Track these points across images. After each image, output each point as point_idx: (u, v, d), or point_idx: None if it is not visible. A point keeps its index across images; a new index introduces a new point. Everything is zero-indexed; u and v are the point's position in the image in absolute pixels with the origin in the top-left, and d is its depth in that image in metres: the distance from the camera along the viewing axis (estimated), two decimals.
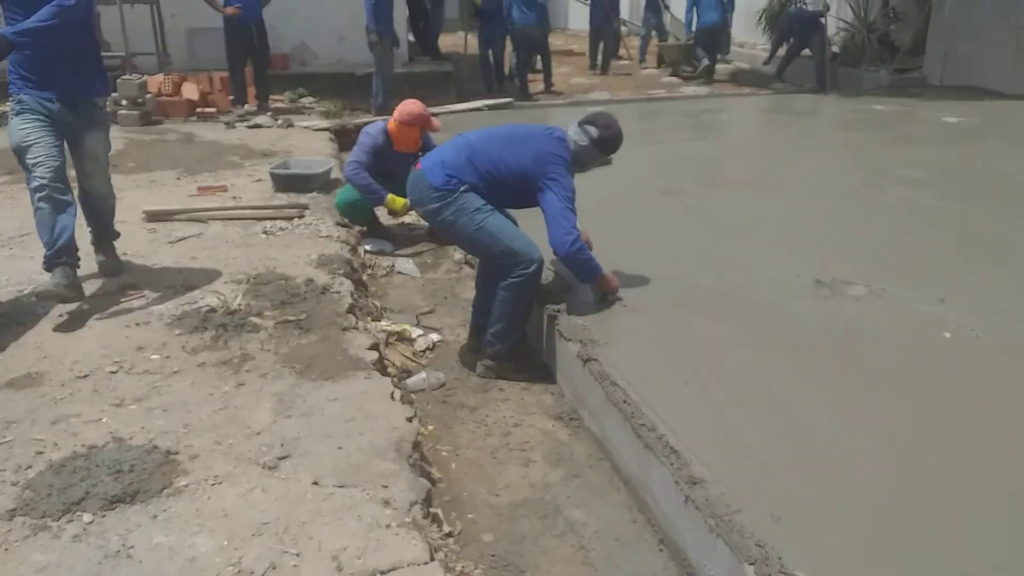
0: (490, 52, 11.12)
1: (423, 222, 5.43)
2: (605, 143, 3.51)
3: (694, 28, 12.52)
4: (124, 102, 8.11)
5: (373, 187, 4.89)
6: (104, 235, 4.08)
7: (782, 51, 12.13)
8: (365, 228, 5.27)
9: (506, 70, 11.57)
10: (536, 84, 11.57)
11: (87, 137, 3.74)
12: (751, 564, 1.95)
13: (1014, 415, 2.61)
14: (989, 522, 2.10)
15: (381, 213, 5.32)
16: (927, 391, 2.76)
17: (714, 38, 12.43)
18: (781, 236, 4.49)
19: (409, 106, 5.02)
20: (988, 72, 10.05)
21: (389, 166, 4.97)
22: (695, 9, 12.27)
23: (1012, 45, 9.75)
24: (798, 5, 12.63)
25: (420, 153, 5.02)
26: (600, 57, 13.38)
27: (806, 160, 6.92)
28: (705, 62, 12.31)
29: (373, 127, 5.14)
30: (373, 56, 8.85)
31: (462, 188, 3.33)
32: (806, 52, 11.61)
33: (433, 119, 5.07)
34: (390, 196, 4.90)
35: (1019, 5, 9.60)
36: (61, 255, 3.51)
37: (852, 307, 3.46)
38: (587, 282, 3.49)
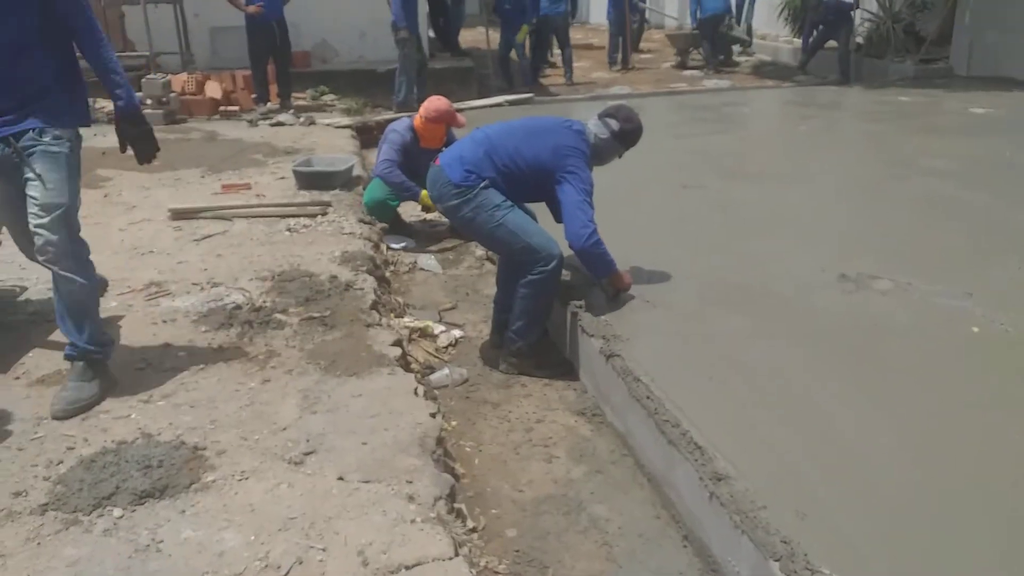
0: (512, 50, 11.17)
1: (444, 218, 5.48)
2: (626, 136, 3.50)
3: (698, 17, 12.50)
4: (149, 101, 8.20)
5: (407, 184, 4.95)
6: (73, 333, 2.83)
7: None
8: (387, 225, 5.30)
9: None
10: (556, 78, 11.56)
11: (25, 185, 2.70)
12: (776, 560, 1.94)
13: None
14: (1013, 520, 2.07)
15: (406, 209, 5.35)
16: (955, 387, 2.73)
17: (717, 27, 12.48)
18: (804, 230, 4.46)
19: (435, 103, 5.07)
20: (1016, 62, 9.89)
21: (416, 163, 5.02)
22: None
23: None
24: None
25: (443, 149, 5.06)
26: (619, 52, 13.29)
27: (829, 152, 6.85)
28: (710, 53, 12.48)
29: (400, 124, 5.18)
30: (399, 52, 8.85)
31: (481, 184, 3.33)
32: (830, 44, 11.49)
33: (459, 115, 5.11)
34: (424, 192, 4.92)
35: None
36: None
37: (878, 301, 3.43)
38: (601, 277, 3.46)
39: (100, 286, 3.28)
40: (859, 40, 12.04)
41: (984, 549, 1.97)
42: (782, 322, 3.26)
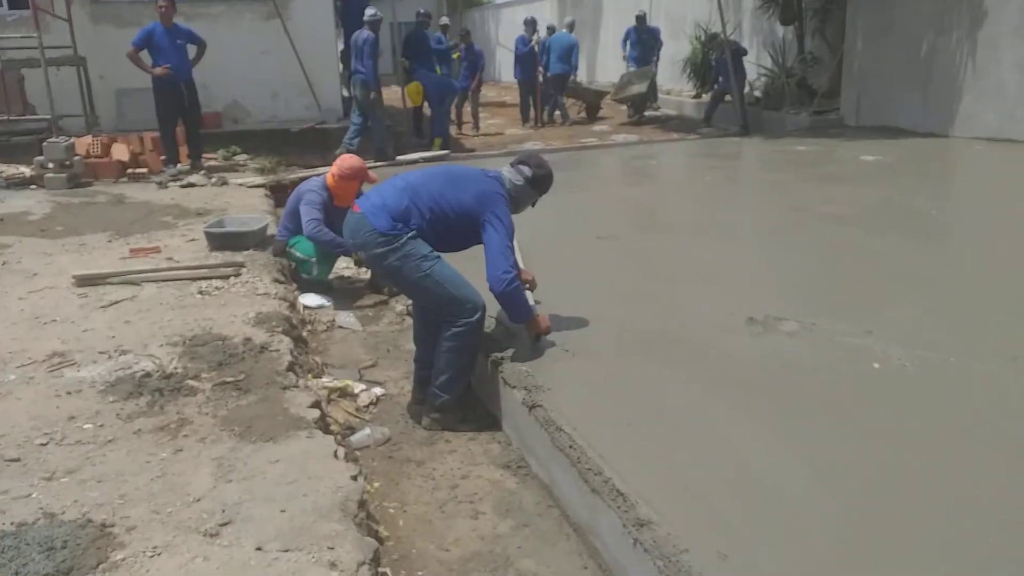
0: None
1: (363, 275, 5.46)
2: (539, 181, 3.59)
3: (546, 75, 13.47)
4: (51, 165, 7.94)
5: (339, 241, 4.94)
6: None
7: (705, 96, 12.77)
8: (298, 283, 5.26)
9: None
10: (465, 135, 11.98)
11: None
12: None
13: (942, 441, 2.71)
14: (927, 546, 2.16)
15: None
16: (861, 421, 2.84)
17: (562, 85, 13.49)
18: (713, 276, 4.62)
19: (349, 160, 5.16)
20: (899, 112, 10.60)
21: (331, 218, 5.06)
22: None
23: (919, 86, 10.31)
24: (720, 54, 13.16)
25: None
26: (532, 111, 13.69)
27: (735, 201, 7.16)
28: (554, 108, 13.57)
29: (313, 183, 5.24)
30: (371, 112, 9.68)
31: (409, 234, 3.34)
32: (728, 97, 12.09)
33: (371, 172, 5.18)
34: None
35: (923, 50, 10.18)
36: None
37: (785, 342, 3.57)
38: (519, 322, 3.51)
39: None
40: (756, 94, 12.70)
41: (901, 573, 2.04)
42: (697, 366, 3.35)
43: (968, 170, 8.48)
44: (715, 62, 12.41)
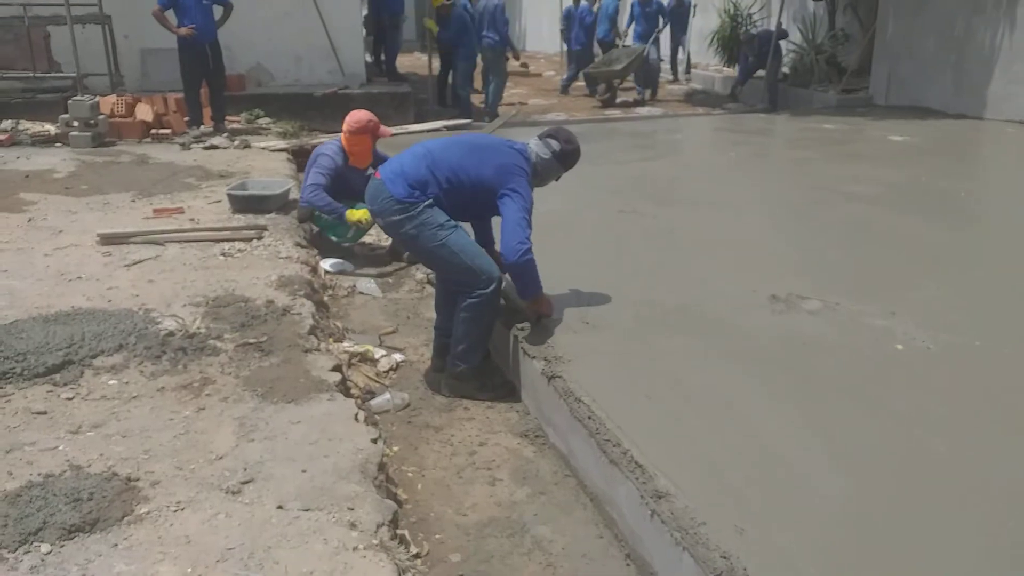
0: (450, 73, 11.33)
1: (384, 242, 5.47)
2: (566, 157, 3.56)
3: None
4: (76, 123, 7.97)
5: (333, 205, 5.03)
6: None
7: (731, 71, 12.54)
8: (319, 249, 5.29)
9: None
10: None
11: None
12: (716, 575, 1.98)
13: (963, 425, 2.69)
14: (943, 529, 2.16)
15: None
16: (881, 403, 2.83)
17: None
18: (737, 252, 4.59)
19: (356, 114, 5.17)
20: (929, 92, 10.42)
21: (348, 184, 5.07)
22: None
23: (950, 67, 10.12)
24: (748, 28, 12.95)
25: (374, 166, 5.15)
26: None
27: (759, 178, 7.08)
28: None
29: (328, 147, 5.24)
30: (495, 73, 10.72)
31: (426, 202, 3.33)
32: (759, 73, 11.91)
33: (383, 126, 5.18)
34: (348, 210, 5.02)
35: (957, 29, 9.97)
36: None
37: (807, 321, 3.55)
38: (527, 297, 3.46)
39: None
40: (785, 70, 12.51)
41: (913, 560, 2.04)
42: (717, 342, 3.34)
43: (999, 153, 8.33)
44: (743, 38, 12.18)
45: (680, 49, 15.01)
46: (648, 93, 12.71)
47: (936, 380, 3.01)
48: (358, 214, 4.97)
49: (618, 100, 12.50)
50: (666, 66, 14.88)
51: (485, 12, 10.51)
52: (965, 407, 2.81)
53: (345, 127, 5.13)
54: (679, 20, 14.26)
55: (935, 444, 2.56)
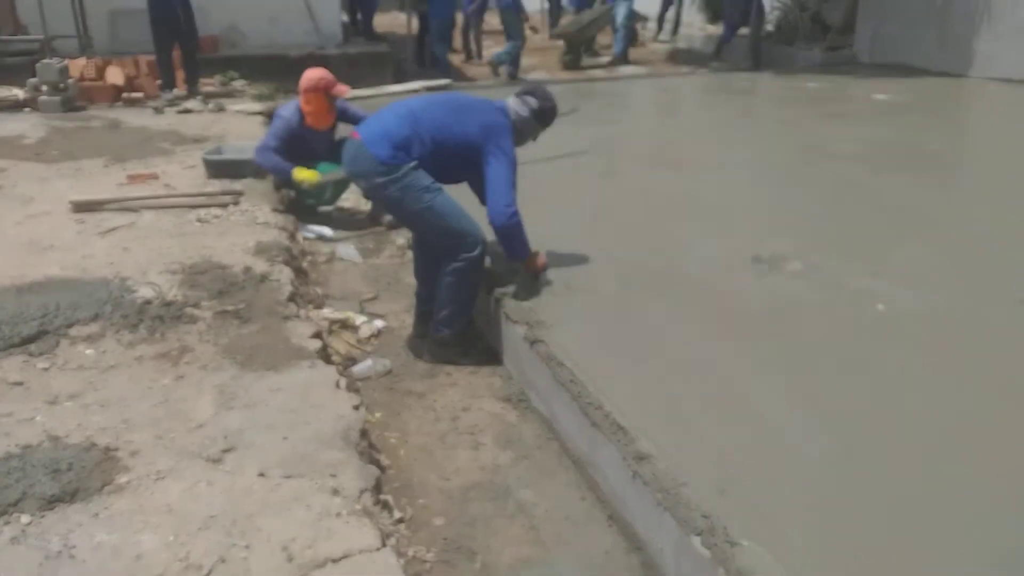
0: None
1: (363, 207, 5.41)
2: (544, 115, 3.52)
3: None
4: (44, 87, 7.78)
5: (279, 166, 5.01)
6: None
7: (715, 29, 12.33)
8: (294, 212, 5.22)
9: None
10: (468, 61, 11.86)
11: None
12: (697, 535, 1.99)
13: (945, 385, 2.71)
14: (923, 491, 2.17)
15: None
16: (863, 363, 2.84)
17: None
18: (720, 214, 4.57)
19: (308, 72, 5.11)
20: (913, 50, 10.36)
21: (309, 144, 5.04)
22: None
23: (935, 25, 10.06)
24: None
25: (336, 124, 5.10)
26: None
27: (743, 138, 7.04)
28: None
29: (284, 109, 5.20)
30: (515, 32, 10.91)
31: (410, 164, 3.27)
32: (742, 31, 11.80)
33: (340, 85, 5.06)
34: (295, 169, 4.97)
35: None
36: None
37: (789, 282, 3.55)
38: (517, 259, 3.47)
39: None
40: (769, 28, 12.40)
41: (894, 518, 2.06)
42: (700, 304, 3.33)
43: (982, 111, 8.33)
44: None
45: (670, 7, 14.63)
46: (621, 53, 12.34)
47: (918, 339, 3.02)
48: (304, 173, 4.94)
49: (595, 61, 12.26)
50: (652, 24, 14.68)
51: None
52: (948, 366, 2.82)
53: (300, 86, 5.05)
54: None
55: (918, 404, 2.58)
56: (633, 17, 12.83)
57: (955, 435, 2.41)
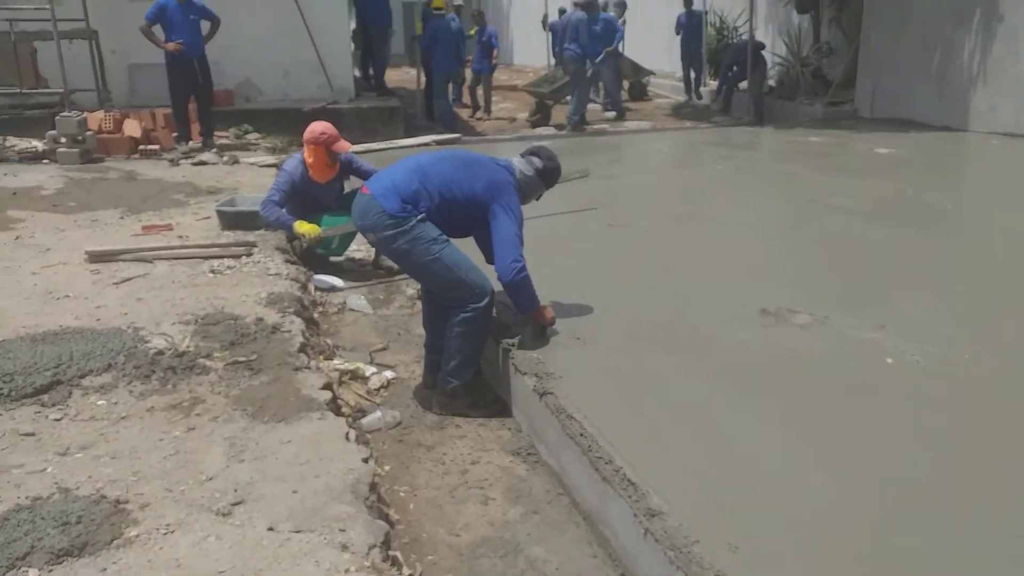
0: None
1: (372, 256, 5.46)
2: (548, 175, 3.60)
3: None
4: (63, 139, 7.95)
5: (281, 219, 5.09)
6: None
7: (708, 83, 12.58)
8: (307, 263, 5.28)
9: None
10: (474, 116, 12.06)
11: None
12: None
13: (955, 438, 2.70)
14: (938, 545, 2.16)
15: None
16: (873, 417, 2.84)
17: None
18: (726, 267, 4.60)
19: (312, 126, 5.25)
20: (914, 105, 10.51)
21: (313, 196, 5.12)
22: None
23: (934, 79, 10.22)
24: (734, 40, 13.06)
25: (341, 177, 5.28)
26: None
27: (747, 191, 7.12)
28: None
29: (289, 162, 5.33)
30: (580, 83, 11.02)
31: (418, 217, 3.33)
32: (742, 85, 12.00)
33: (341, 141, 5.19)
34: (297, 222, 5.05)
35: (940, 42, 10.08)
36: None
37: (797, 335, 3.56)
38: (525, 312, 3.50)
39: None
40: (771, 83, 12.61)
41: (910, 572, 2.04)
42: (708, 357, 3.34)
43: (984, 165, 8.41)
44: (720, 47, 12.26)
45: (691, 68, 14.03)
46: (614, 114, 12.24)
47: (926, 393, 3.02)
48: (305, 227, 5.01)
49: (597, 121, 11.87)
50: (679, 85, 14.49)
51: (568, 25, 10.91)
52: (956, 419, 2.82)
53: (303, 137, 5.20)
54: (694, 34, 13.60)
55: (926, 458, 2.57)
56: (619, 79, 12.89)
57: (964, 489, 2.39)
